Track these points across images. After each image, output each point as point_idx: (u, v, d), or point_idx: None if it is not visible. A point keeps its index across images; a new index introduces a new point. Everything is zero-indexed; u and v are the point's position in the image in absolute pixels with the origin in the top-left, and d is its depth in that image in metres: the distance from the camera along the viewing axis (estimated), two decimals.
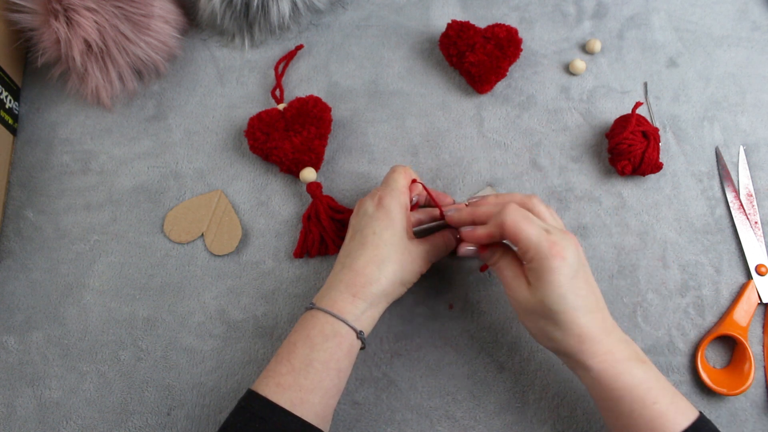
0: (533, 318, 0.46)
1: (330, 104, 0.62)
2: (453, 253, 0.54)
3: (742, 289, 0.58)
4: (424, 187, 0.55)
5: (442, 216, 0.54)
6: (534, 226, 0.45)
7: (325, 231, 0.58)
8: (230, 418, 0.46)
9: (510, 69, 0.64)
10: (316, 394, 0.46)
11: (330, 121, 0.62)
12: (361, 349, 0.50)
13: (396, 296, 0.51)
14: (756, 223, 0.60)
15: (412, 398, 0.55)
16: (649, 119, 0.64)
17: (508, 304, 0.58)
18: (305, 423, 0.45)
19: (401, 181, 0.53)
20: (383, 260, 0.49)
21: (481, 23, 0.65)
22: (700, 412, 0.45)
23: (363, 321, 0.49)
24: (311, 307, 0.49)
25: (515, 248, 0.47)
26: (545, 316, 0.45)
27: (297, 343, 0.48)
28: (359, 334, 0.48)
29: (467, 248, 0.50)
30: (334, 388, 0.47)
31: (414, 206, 0.56)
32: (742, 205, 0.61)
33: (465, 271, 0.59)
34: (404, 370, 0.56)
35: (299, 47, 0.66)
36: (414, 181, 0.55)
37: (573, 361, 0.46)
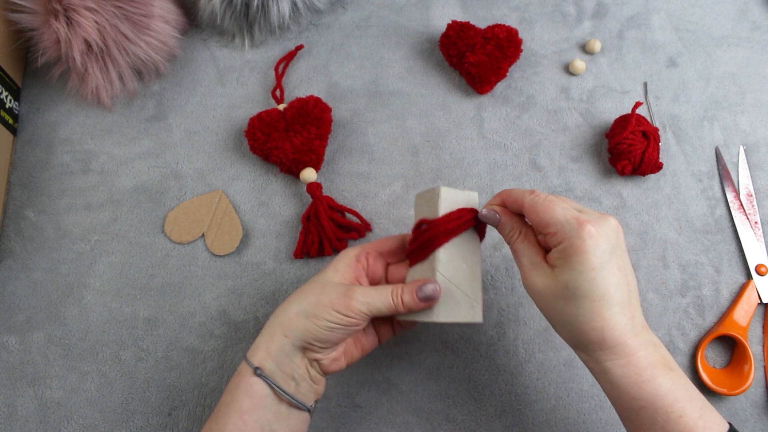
0: (554, 306, 0.41)
1: (330, 104, 0.62)
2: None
3: (742, 289, 0.58)
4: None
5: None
6: (559, 205, 0.41)
7: (324, 231, 0.58)
8: None
9: (510, 69, 0.64)
10: None
11: (330, 121, 0.62)
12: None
13: (299, 329, 0.44)
14: (756, 223, 0.60)
15: (413, 401, 0.55)
16: (649, 119, 0.64)
17: (505, 309, 0.58)
18: None
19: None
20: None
21: (481, 24, 0.65)
22: (730, 424, 0.40)
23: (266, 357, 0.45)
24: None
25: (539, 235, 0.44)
26: (568, 302, 0.40)
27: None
28: (255, 371, 0.44)
29: (487, 210, 0.46)
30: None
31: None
32: (742, 205, 0.61)
33: None
34: (405, 374, 0.56)
35: (299, 47, 0.66)
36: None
37: (591, 360, 0.41)
